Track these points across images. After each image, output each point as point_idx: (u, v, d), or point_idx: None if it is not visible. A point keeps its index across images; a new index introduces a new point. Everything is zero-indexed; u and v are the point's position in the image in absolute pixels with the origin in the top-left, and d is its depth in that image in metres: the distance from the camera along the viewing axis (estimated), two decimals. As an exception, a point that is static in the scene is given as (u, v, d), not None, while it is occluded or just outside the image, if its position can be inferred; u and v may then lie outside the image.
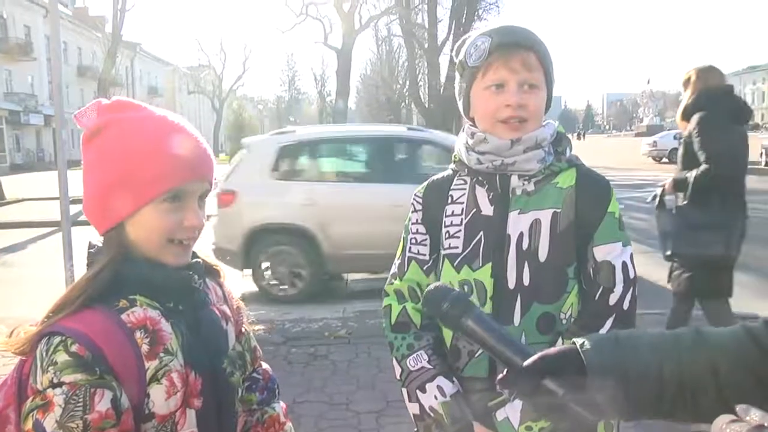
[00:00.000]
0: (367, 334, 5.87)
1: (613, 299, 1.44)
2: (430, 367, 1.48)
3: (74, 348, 1.06)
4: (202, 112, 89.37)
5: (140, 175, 1.14)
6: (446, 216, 1.56)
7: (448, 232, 1.54)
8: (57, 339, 1.07)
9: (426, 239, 1.60)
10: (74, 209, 5.93)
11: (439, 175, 1.66)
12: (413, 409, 1.50)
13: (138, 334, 1.13)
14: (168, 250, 1.19)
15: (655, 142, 33.80)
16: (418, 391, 1.47)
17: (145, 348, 1.13)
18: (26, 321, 1.18)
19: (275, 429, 1.44)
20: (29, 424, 1.03)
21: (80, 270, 1.19)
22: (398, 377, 1.54)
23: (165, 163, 1.16)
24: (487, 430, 1.43)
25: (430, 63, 37.39)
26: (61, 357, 1.05)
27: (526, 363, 0.97)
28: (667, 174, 4.48)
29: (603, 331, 1.40)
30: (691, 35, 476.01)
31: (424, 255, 1.59)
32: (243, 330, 1.41)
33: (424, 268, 1.58)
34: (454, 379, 1.47)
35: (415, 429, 1.57)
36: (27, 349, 1.12)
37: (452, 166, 1.62)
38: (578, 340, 0.99)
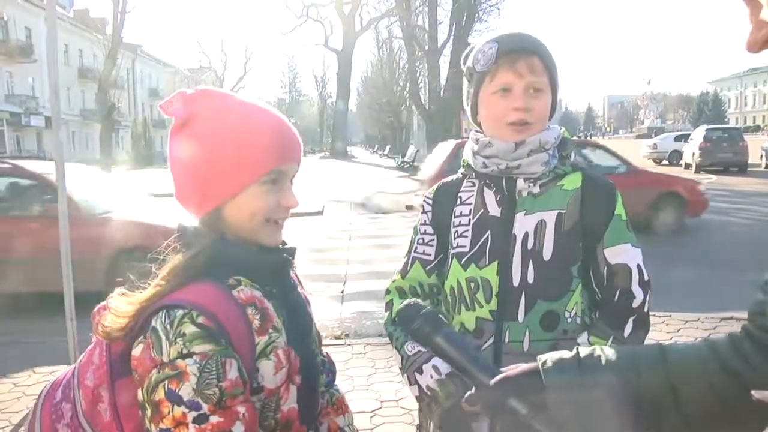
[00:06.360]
0: (364, 334, 5.89)
1: (635, 303, 1.50)
2: (425, 350, 1.50)
3: (201, 320, 1.07)
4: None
5: (244, 156, 1.17)
6: (455, 216, 1.62)
7: (456, 231, 1.60)
8: (180, 312, 1.08)
9: (433, 239, 1.66)
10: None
11: (449, 178, 1.71)
12: (414, 391, 1.54)
13: (249, 310, 1.15)
14: (266, 230, 1.23)
15: (655, 144, 33.85)
16: (416, 373, 1.50)
17: (256, 323, 1.15)
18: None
19: (342, 410, 1.49)
20: (161, 394, 1.03)
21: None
22: (399, 366, 1.58)
23: (267, 144, 1.19)
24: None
25: (430, 65, 37.47)
26: (189, 329, 1.06)
27: (492, 382, 0.99)
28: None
29: (625, 330, 1.47)
30: (692, 37, 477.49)
31: (429, 255, 1.66)
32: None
33: (427, 268, 1.65)
34: None
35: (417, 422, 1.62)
36: (131, 326, 1.12)
37: (461, 170, 1.67)
38: (542, 358, 0.99)
